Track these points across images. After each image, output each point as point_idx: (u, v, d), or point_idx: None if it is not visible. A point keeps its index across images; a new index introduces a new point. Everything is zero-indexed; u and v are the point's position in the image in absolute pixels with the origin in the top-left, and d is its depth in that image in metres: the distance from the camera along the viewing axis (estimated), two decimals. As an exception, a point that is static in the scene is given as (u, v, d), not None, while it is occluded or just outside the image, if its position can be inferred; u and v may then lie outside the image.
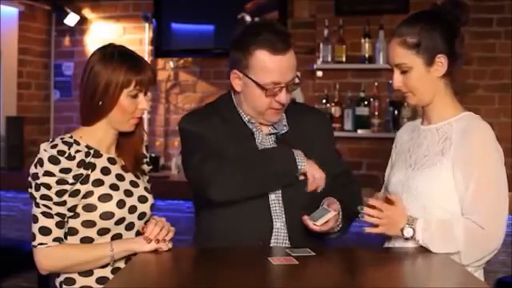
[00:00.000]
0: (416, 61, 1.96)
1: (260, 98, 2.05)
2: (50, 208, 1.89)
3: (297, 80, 2.08)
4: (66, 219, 1.92)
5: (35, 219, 1.91)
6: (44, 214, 1.90)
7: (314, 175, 2.02)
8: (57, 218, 1.90)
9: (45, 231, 1.90)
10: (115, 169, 2.00)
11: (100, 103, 1.93)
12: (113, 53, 1.95)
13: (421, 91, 1.99)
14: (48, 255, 1.91)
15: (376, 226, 1.92)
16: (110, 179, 1.97)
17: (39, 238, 1.90)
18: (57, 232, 1.91)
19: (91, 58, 1.97)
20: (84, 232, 1.94)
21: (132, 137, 2.05)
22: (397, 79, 2.01)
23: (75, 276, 1.96)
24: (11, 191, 4.41)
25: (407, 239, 1.92)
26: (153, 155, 4.92)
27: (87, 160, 1.94)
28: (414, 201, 1.97)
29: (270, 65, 2.01)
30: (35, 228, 1.91)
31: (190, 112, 2.28)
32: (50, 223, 1.90)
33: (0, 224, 4.35)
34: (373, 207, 1.91)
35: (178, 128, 2.19)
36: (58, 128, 5.27)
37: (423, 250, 1.95)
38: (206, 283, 1.65)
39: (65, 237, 1.94)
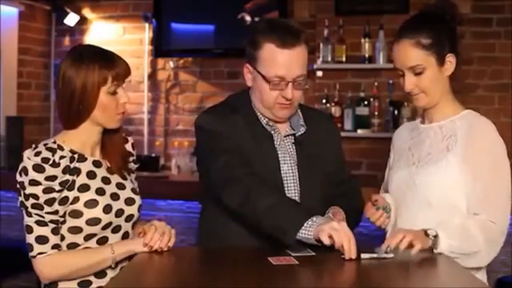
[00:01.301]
0: (430, 61, 1.97)
1: (267, 92, 2.04)
2: (43, 217, 1.85)
3: (308, 80, 2.06)
4: (59, 225, 1.89)
5: (29, 229, 1.86)
6: (38, 222, 1.85)
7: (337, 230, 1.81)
8: (51, 225, 1.86)
9: (42, 239, 1.85)
10: (101, 172, 1.97)
11: (80, 106, 1.89)
12: (81, 54, 1.91)
13: (434, 91, 2.00)
14: (49, 263, 1.87)
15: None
16: (96, 183, 1.93)
17: (38, 248, 1.86)
18: (54, 239, 1.87)
19: (61, 63, 1.93)
20: (70, 238, 1.90)
21: (114, 135, 2.02)
22: (410, 81, 1.99)
23: (74, 286, 1.92)
24: (11, 191, 4.40)
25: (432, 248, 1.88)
26: (153, 155, 4.93)
27: (72, 165, 1.90)
28: (419, 197, 1.98)
29: (276, 58, 2.01)
30: (30, 238, 1.86)
31: (207, 110, 2.22)
32: (45, 231, 1.86)
33: (0, 224, 4.34)
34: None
35: (195, 126, 2.15)
36: (58, 128, 5.17)
37: (423, 250, 1.95)
38: (206, 283, 1.65)
39: None
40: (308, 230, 1.85)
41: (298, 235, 1.86)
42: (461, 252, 1.89)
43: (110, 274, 1.93)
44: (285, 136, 2.14)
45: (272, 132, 2.12)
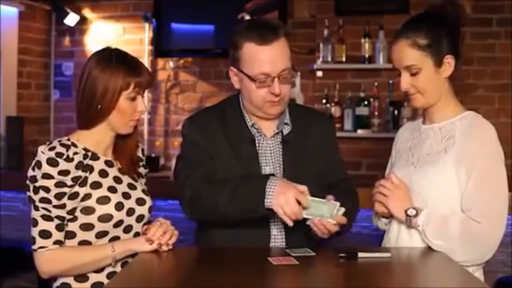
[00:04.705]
0: (426, 62, 1.96)
1: (254, 91, 2.04)
2: (50, 211, 1.88)
3: (293, 72, 2.07)
4: (65, 222, 1.91)
5: (35, 223, 1.89)
6: (44, 217, 1.88)
7: (284, 210, 1.90)
8: (56, 221, 1.89)
9: (45, 234, 1.88)
10: (113, 172, 2.00)
11: (99, 107, 1.93)
12: (110, 57, 1.95)
13: (430, 92, 1.99)
14: (49, 258, 1.89)
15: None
16: (108, 182, 1.97)
17: (39, 242, 1.89)
18: (57, 235, 1.89)
19: (88, 63, 1.97)
20: (82, 235, 1.93)
21: (129, 139, 2.05)
22: (405, 81, 1.99)
23: (70, 281, 1.95)
24: (11, 191, 4.40)
25: (409, 217, 1.95)
26: (153, 155, 4.93)
27: (85, 162, 1.93)
28: (416, 197, 1.98)
29: (258, 56, 2.01)
30: (34, 231, 1.89)
31: (192, 116, 2.25)
32: (50, 226, 1.88)
33: (0, 224, 4.34)
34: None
35: (181, 131, 2.20)
36: (58, 128, 5.27)
37: (423, 250, 1.95)
38: (206, 283, 1.65)
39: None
40: (268, 199, 1.91)
41: (266, 205, 1.91)
42: (434, 237, 1.92)
43: (108, 269, 1.96)
44: (272, 136, 2.14)
45: (257, 135, 2.12)
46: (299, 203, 1.90)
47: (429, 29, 1.96)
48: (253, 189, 1.94)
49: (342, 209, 1.96)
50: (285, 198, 1.89)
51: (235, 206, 1.95)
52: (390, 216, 2.06)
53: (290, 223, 1.91)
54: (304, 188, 1.93)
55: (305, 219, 1.93)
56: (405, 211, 1.96)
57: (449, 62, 1.98)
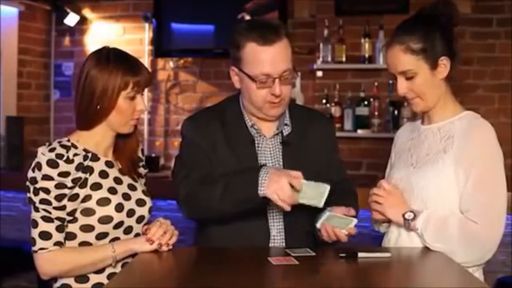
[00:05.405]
0: (421, 66, 1.96)
1: (255, 92, 2.04)
2: (50, 213, 1.87)
3: (294, 73, 2.06)
4: (65, 223, 1.91)
5: (35, 224, 1.89)
6: (44, 218, 1.88)
7: (279, 196, 1.90)
8: (57, 222, 1.89)
9: (45, 235, 1.88)
10: (113, 173, 2.00)
11: (98, 107, 1.92)
12: (108, 56, 1.94)
13: (429, 95, 1.99)
14: (49, 259, 1.89)
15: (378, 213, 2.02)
16: (108, 183, 1.96)
17: (40, 243, 1.88)
18: (58, 236, 1.89)
19: (86, 63, 1.96)
20: (82, 236, 1.93)
21: (129, 140, 2.05)
22: (402, 85, 2.00)
23: (70, 282, 1.94)
24: (11, 191, 4.41)
25: (407, 220, 1.95)
26: (153, 155, 4.93)
27: (85, 163, 1.93)
28: (414, 198, 1.98)
29: (259, 56, 2.01)
30: (35, 233, 1.89)
31: (191, 117, 2.25)
32: (50, 227, 1.88)
33: (0, 224, 4.35)
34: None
35: (180, 130, 2.20)
36: (58, 128, 5.27)
37: (422, 250, 1.95)
38: (206, 283, 1.65)
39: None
40: (262, 188, 1.90)
41: (260, 194, 1.91)
42: (433, 240, 1.92)
43: (109, 270, 1.96)
44: (272, 137, 2.13)
45: (256, 135, 2.12)
46: (293, 189, 1.90)
47: (422, 32, 1.95)
48: (246, 180, 1.94)
49: (355, 221, 1.97)
50: (278, 184, 1.88)
51: (229, 200, 1.95)
52: (389, 221, 2.06)
53: (287, 208, 1.91)
54: (297, 173, 1.92)
55: (311, 221, 1.94)
56: (403, 215, 1.96)
57: (444, 63, 1.98)
